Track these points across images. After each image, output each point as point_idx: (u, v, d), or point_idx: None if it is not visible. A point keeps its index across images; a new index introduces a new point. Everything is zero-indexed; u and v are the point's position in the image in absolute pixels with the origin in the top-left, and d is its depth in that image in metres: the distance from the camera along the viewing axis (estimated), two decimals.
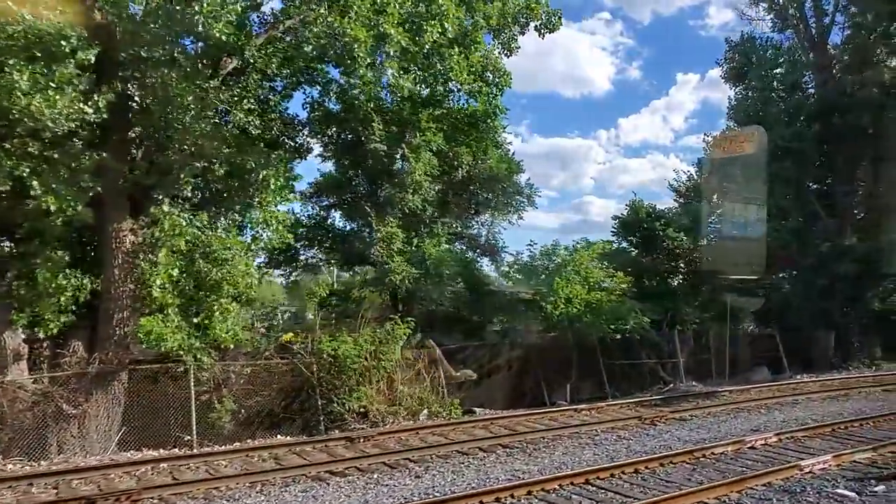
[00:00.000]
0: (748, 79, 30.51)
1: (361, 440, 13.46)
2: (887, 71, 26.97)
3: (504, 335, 20.92)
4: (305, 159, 19.64)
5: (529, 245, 21.63)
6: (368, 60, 14.33)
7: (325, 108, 20.09)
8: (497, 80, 19.82)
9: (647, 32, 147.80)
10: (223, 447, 13.32)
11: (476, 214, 21.71)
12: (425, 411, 16.67)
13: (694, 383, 22.60)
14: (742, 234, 29.39)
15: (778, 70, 30.15)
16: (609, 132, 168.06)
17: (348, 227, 20.69)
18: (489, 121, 20.55)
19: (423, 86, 17.84)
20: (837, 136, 29.36)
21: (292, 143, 19.61)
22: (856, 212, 31.07)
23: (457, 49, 17.24)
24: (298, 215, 21.41)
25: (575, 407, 16.89)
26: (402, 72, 15.57)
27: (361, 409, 15.78)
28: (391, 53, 14.33)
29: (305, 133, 20.73)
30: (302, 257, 21.50)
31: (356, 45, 13.53)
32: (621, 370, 21.17)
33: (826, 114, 30.00)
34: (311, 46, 14.77)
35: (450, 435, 14.04)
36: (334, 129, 20.22)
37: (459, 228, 21.21)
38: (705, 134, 32.48)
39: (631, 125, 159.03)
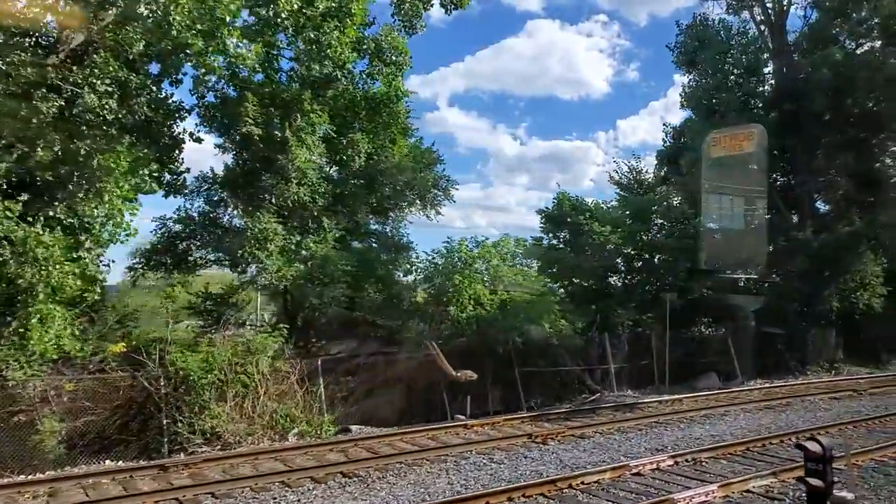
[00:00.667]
0: (700, 64, 28.55)
1: (180, 468, 11.41)
2: (840, 52, 24.98)
3: (416, 342, 18.88)
4: (180, 149, 17.53)
5: (446, 242, 19.78)
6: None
7: (216, 92, 18.15)
8: (396, 59, 17.87)
9: (644, 34, 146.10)
10: None
11: (382, 209, 19.67)
12: (296, 430, 14.66)
13: (628, 392, 20.57)
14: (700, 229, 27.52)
15: (732, 54, 28.17)
16: (608, 134, 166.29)
17: (238, 224, 18.60)
18: (392, 105, 18.56)
19: (303, 64, 15.91)
20: (795, 124, 27.43)
21: (167, 131, 17.59)
22: (817, 204, 29.13)
23: (333, 22, 15.27)
24: (191, 211, 19.42)
25: (465, 423, 14.84)
26: (245, 41, 13.56)
27: (214, 430, 13.74)
28: (227, 21, 12.36)
29: (198, 121, 18.84)
30: (192, 257, 19.43)
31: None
32: (541, 379, 19.14)
33: (783, 100, 28.10)
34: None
35: (293, 461, 11.98)
36: (219, 115, 18.18)
37: (360, 224, 19.12)
38: (665, 125, 30.23)
39: (629, 127, 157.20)
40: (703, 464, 11.42)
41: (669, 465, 11.19)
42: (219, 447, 13.58)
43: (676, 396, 18.92)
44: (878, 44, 26.39)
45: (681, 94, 29.76)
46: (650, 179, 26.35)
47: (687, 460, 11.52)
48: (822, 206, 29.50)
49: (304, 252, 16.64)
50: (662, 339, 22.58)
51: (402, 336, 19.04)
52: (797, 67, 28.05)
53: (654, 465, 11.08)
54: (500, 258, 19.10)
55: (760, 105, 28.70)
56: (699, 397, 18.94)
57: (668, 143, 30.15)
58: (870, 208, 26.85)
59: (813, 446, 8.86)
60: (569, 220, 20.97)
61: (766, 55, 28.90)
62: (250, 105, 15.95)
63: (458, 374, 17.11)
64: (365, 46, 17.36)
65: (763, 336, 25.14)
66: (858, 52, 26.98)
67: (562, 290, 20.94)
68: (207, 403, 13.56)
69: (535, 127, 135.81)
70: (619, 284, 22.21)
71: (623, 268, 22.28)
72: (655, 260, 22.57)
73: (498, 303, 18.39)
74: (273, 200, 16.84)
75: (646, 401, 18.24)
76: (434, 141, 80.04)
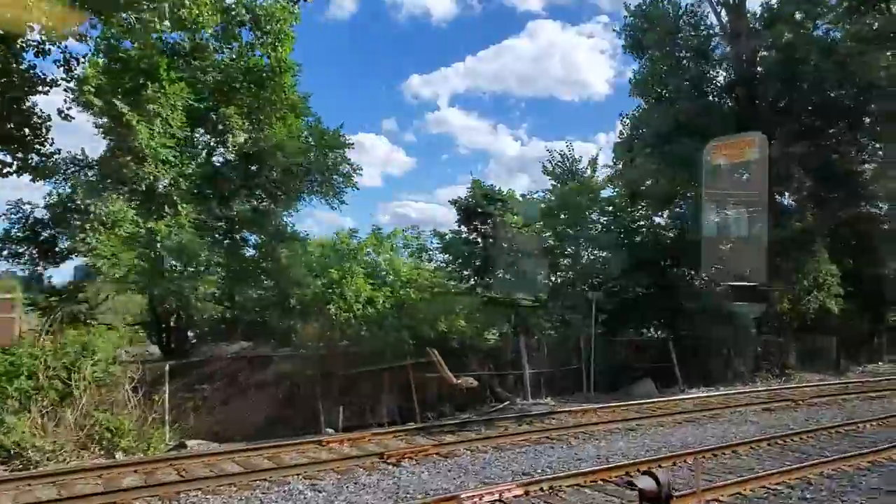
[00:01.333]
0: (649, 47, 26.60)
1: None
2: (791, 31, 23.02)
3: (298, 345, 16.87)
4: (47, 128, 15.44)
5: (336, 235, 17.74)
6: None
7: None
8: (274, 27, 15.87)
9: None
10: None
11: (270, 194, 17.61)
12: (121, 445, 12.63)
13: (547, 400, 18.59)
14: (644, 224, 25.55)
15: (681, 35, 26.22)
16: (608, 135, 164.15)
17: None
18: (275, 79, 16.54)
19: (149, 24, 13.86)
20: (752, 111, 25.48)
21: (25, 107, 15.55)
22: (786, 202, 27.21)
23: None
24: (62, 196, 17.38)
25: (321, 439, 12.83)
26: None
27: (15, 446, 11.72)
28: None
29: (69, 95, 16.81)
30: (61, 247, 17.41)
31: None
32: (445, 386, 17.11)
33: (738, 86, 26.21)
34: None
35: (74, 486, 9.96)
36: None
37: (236, 212, 17.05)
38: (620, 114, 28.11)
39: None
40: (559, 495, 9.42)
41: (515, 497, 9.19)
42: (21, 466, 11.59)
43: (593, 406, 16.94)
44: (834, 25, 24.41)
45: (630, 81, 27.82)
46: (586, 169, 24.32)
47: (542, 489, 9.51)
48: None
49: (160, 241, 14.59)
50: (597, 342, 20.66)
51: (290, 337, 17.03)
52: (753, 50, 26.12)
53: (495, 497, 9.07)
54: (391, 250, 17.08)
55: (715, 91, 26.82)
56: (618, 408, 16.94)
57: (626, 135, 28.22)
58: (827, 203, 24.91)
59: (646, 483, 6.91)
60: (479, 210, 18.93)
61: (721, 37, 26.94)
62: (92, 71, 13.91)
63: (460, 381, 16.19)
64: (235, 12, 15.33)
65: (712, 340, 23.18)
66: (816, 34, 25.07)
67: (479, 287, 18.92)
68: (0, 416, 11.52)
69: (536, 128, 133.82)
70: (544, 282, 20.19)
71: (547, 264, 20.23)
72: (585, 257, 20.54)
73: (393, 301, 16.38)
74: (125, 182, 14.79)
75: (559, 411, 16.24)
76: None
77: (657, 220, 24.52)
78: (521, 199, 20.17)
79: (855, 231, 25.72)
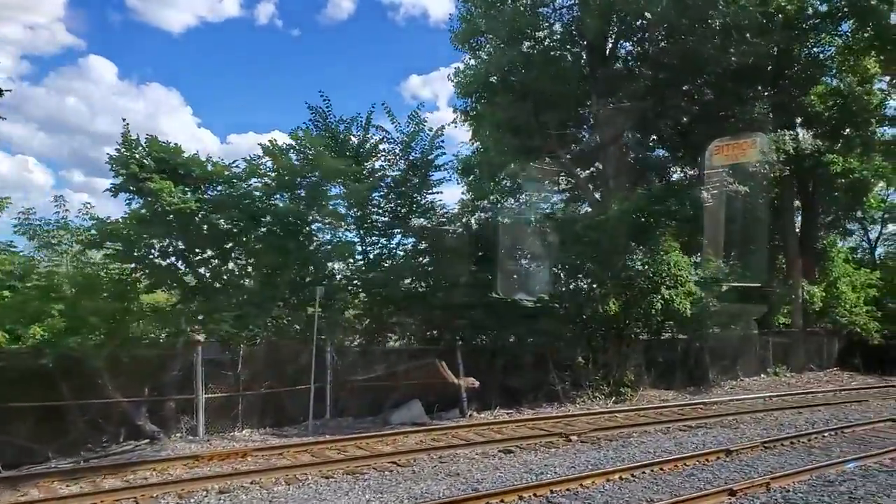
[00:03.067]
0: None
1: None
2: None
3: None
4: None
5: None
6: None
7: None
8: None
9: None
10: None
11: None
12: None
13: (237, 433, 13.51)
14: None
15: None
16: None
17: None
18: None
19: None
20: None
21: None
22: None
23: None
24: None
25: None
26: None
27: None
28: None
29: None
30: None
31: None
32: (70, 416, 12.03)
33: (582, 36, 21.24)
34: None
35: None
36: None
37: None
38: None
39: None
40: None
41: None
42: None
43: (283, 444, 11.87)
44: None
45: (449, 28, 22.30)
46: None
47: None
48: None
49: None
50: (337, 351, 15.64)
51: None
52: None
53: None
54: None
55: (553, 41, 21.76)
56: (326, 447, 11.89)
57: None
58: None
59: None
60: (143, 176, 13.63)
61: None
62: None
63: (461, 382, 15.98)
64: None
65: (521, 349, 18.19)
66: None
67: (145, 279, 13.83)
68: None
69: None
70: (237, 272, 15.07)
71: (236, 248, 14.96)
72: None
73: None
74: None
75: (178, 457, 11.15)
76: None
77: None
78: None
79: None
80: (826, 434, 13.41)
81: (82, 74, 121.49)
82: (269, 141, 14.91)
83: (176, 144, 13.89)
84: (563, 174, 21.36)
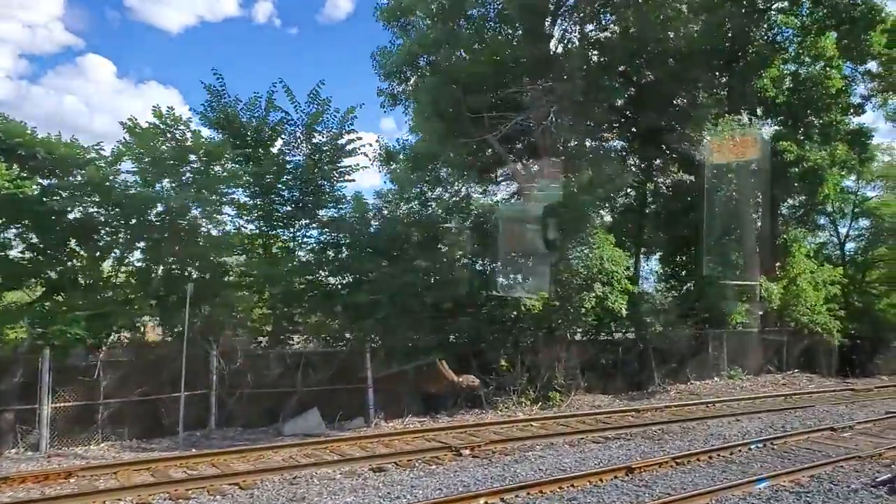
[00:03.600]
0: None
1: None
2: None
3: None
4: None
5: None
6: None
7: None
8: None
9: None
10: None
11: None
12: None
13: (81, 449, 11.99)
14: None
15: None
16: None
17: None
18: None
19: None
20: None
21: None
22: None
23: None
24: None
25: None
26: None
27: None
28: None
29: None
30: None
31: None
32: None
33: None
34: None
35: None
36: None
37: None
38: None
39: None
40: None
41: None
42: None
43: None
44: None
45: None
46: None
47: None
48: None
49: None
50: (223, 354, 14.12)
51: None
52: None
53: None
54: None
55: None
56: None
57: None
58: None
59: None
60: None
61: None
62: None
63: (461, 380, 15.61)
64: None
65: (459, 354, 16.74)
66: None
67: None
68: None
69: None
70: (110, 268, 13.52)
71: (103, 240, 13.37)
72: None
73: None
74: None
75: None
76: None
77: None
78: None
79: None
80: (753, 446, 11.99)
81: (81, 73, 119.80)
82: (129, 118, 13.35)
83: (22, 122, 12.33)
84: (493, 162, 19.92)
